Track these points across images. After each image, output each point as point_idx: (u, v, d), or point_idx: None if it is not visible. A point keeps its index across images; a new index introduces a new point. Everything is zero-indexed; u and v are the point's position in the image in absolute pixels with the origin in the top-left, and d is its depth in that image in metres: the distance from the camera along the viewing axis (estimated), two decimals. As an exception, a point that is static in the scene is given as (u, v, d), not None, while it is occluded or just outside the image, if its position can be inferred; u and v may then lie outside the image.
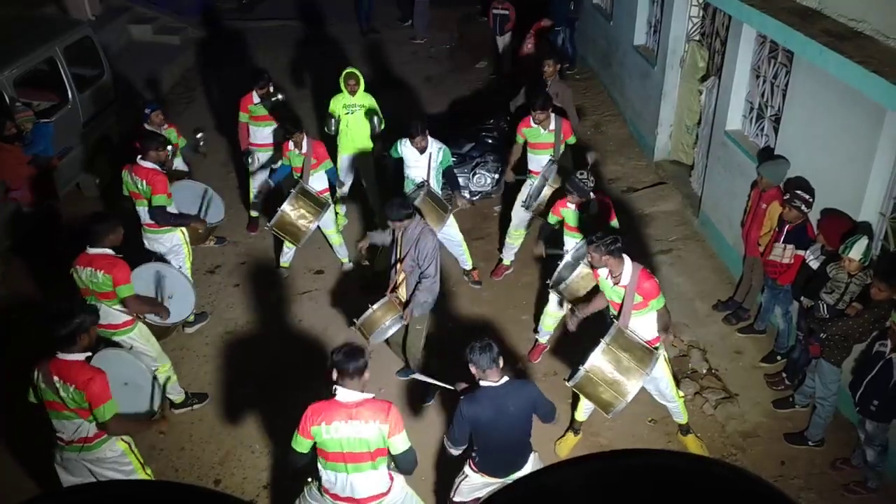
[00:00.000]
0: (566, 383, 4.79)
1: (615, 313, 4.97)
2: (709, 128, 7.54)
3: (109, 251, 5.08)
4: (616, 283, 4.88)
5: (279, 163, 7.16)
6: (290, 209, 6.49)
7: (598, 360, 4.60)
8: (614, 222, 6.00)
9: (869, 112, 5.00)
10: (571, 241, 6.12)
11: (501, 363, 4.08)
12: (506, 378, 4.09)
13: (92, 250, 5.04)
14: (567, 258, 5.90)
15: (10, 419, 5.65)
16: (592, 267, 5.06)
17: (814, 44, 5.09)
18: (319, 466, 3.92)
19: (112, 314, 5.17)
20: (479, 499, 4.49)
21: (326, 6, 13.91)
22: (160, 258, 6.15)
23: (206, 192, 6.84)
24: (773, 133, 6.47)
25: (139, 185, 6.05)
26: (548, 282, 5.88)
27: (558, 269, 5.82)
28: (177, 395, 5.77)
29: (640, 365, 4.64)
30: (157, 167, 6.04)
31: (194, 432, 5.68)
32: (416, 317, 5.60)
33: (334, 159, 7.60)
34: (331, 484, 3.92)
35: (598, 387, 4.62)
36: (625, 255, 4.82)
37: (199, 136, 7.36)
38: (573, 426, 5.47)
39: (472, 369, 4.07)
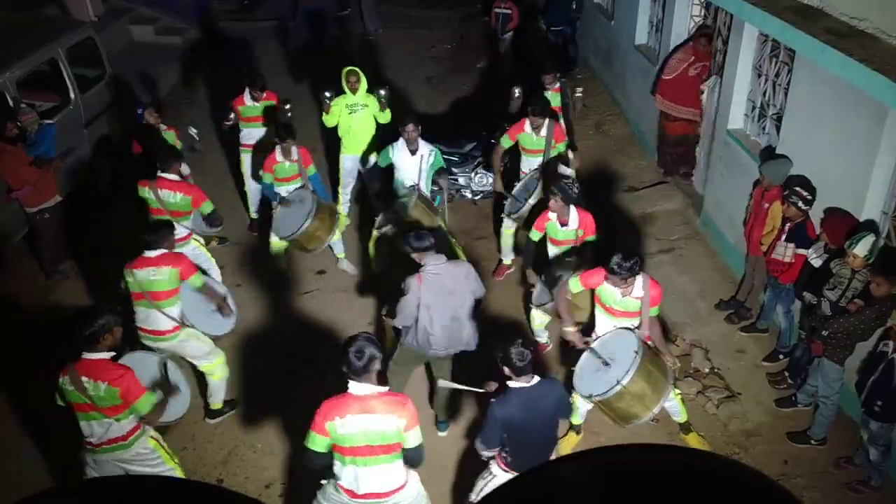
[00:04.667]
0: (591, 398, 4.67)
1: (630, 322, 4.93)
2: (711, 127, 7.53)
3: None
4: (627, 295, 4.87)
5: (263, 178, 6.90)
6: (314, 223, 6.44)
7: (633, 376, 4.49)
8: (591, 237, 5.91)
9: (871, 111, 4.99)
10: (554, 251, 6.12)
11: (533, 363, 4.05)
12: (536, 378, 4.06)
13: (152, 253, 5.15)
14: (543, 276, 5.92)
15: (10, 419, 5.67)
16: (592, 273, 4.99)
17: (815, 42, 5.08)
18: (336, 463, 3.89)
19: (161, 320, 5.20)
20: None
21: (327, 7, 13.90)
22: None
23: None
24: (775, 132, 6.47)
25: (168, 199, 6.09)
26: (532, 284, 5.91)
27: (537, 293, 5.87)
28: (218, 398, 5.70)
29: (664, 375, 4.62)
30: (184, 179, 6.28)
31: (196, 432, 5.68)
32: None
33: (335, 159, 7.60)
34: (347, 481, 3.88)
35: (629, 401, 4.55)
36: None
37: (192, 131, 7.34)
38: (573, 427, 5.48)
39: (506, 370, 4.01)
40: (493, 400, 4.07)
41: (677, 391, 5.37)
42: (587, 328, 5.32)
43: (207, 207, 6.22)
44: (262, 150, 7.36)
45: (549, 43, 11.39)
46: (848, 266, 4.95)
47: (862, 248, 4.81)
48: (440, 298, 4.97)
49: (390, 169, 6.85)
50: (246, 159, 7.76)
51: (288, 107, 7.62)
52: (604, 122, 10.02)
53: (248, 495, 1.02)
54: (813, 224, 5.57)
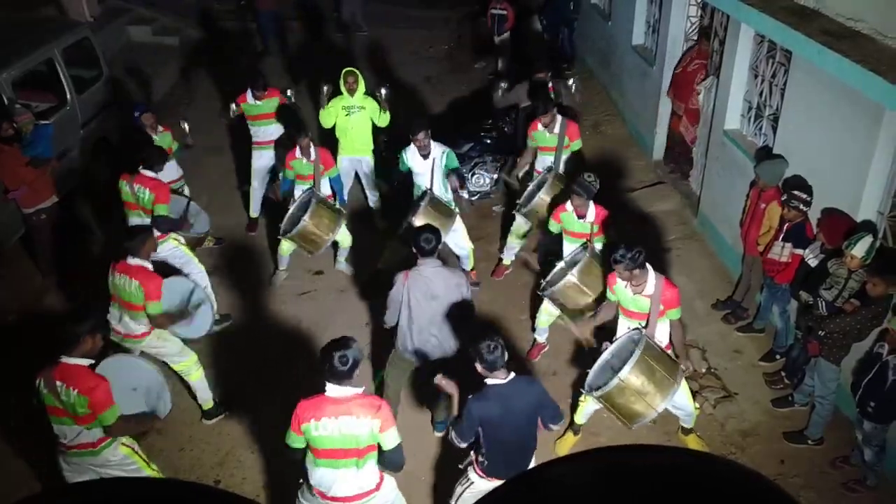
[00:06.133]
0: (593, 394, 4.60)
1: (641, 323, 4.91)
2: (707, 127, 7.54)
3: (147, 264, 5.23)
4: (638, 293, 4.87)
5: (281, 175, 7.06)
6: (311, 222, 6.41)
7: (633, 371, 4.45)
8: (599, 238, 5.93)
9: (867, 111, 5.00)
10: (570, 247, 6.10)
11: (507, 359, 4.03)
12: (512, 375, 4.05)
13: (132, 261, 5.17)
14: (560, 264, 5.89)
15: (10, 419, 5.66)
16: (612, 275, 4.99)
17: (812, 43, 5.09)
18: (308, 465, 3.91)
19: (132, 325, 5.25)
20: None
21: (325, 6, 13.90)
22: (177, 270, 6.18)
23: (188, 204, 6.81)
24: (771, 132, 6.47)
25: (140, 195, 6.15)
26: (541, 281, 5.89)
27: (551, 274, 5.82)
28: (205, 397, 5.70)
29: (671, 375, 4.59)
30: (159, 177, 6.26)
31: (193, 433, 5.68)
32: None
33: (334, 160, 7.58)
34: (319, 482, 3.90)
35: (630, 397, 4.51)
36: (647, 265, 4.81)
37: (184, 125, 7.30)
38: (572, 427, 5.47)
39: (479, 367, 4.00)
40: (470, 396, 4.06)
41: (697, 405, 5.37)
42: (609, 332, 5.31)
43: (161, 210, 6.16)
44: (282, 148, 7.45)
45: (546, 43, 11.41)
46: (845, 266, 4.96)
47: (860, 249, 4.82)
48: (421, 301, 4.95)
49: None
50: (256, 157, 7.77)
51: (290, 93, 7.66)
52: (601, 122, 10.03)
53: (246, 496, 1.02)
54: (811, 224, 5.58)
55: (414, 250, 4.99)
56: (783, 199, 5.60)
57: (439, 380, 4.27)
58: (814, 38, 5.10)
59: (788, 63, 6.03)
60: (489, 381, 4.03)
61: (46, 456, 5.34)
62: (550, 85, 7.80)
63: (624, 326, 5.09)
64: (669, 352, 4.88)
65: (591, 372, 4.76)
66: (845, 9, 5.26)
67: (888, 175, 5.12)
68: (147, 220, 6.09)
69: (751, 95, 6.83)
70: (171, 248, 6.30)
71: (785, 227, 5.61)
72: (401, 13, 13.98)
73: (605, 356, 4.80)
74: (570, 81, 8.00)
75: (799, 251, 5.53)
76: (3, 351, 6.22)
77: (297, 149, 6.77)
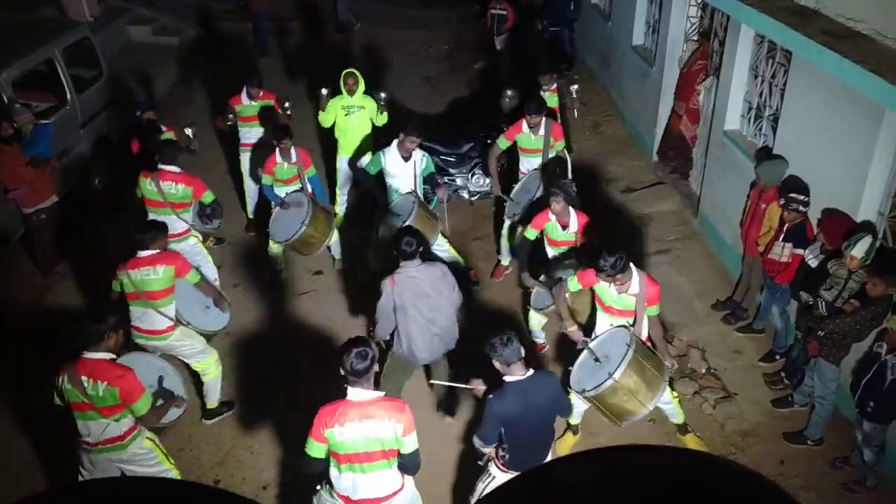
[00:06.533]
0: (585, 393, 4.62)
1: (627, 321, 4.91)
2: (707, 128, 7.54)
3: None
4: (623, 292, 4.87)
5: (262, 180, 6.92)
6: (310, 227, 6.43)
7: (626, 371, 4.46)
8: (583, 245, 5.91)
9: (867, 111, 5.00)
10: (553, 252, 6.08)
11: (523, 354, 4.05)
12: (531, 371, 4.07)
13: (146, 253, 5.16)
14: (542, 277, 5.90)
15: (10, 419, 5.66)
16: (588, 272, 4.99)
17: (812, 43, 5.09)
18: (332, 470, 3.86)
19: (157, 319, 5.21)
20: None
21: (325, 6, 13.91)
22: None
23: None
24: (771, 133, 6.48)
25: (169, 191, 6.12)
26: (529, 287, 5.90)
27: (540, 285, 5.85)
28: (213, 398, 5.69)
29: (659, 372, 4.60)
30: (184, 171, 6.28)
31: (193, 433, 5.67)
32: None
33: (333, 160, 7.59)
34: (343, 487, 3.85)
35: (622, 397, 4.52)
36: (630, 264, 4.81)
37: (188, 130, 7.28)
38: (570, 427, 5.48)
39: (497, 365, 4.02)
40: (490, 395, 4.08)
41: (675, 393, 5.37)
42: (587, 328, 5.33)
43: (208, 197, 6.26)
44: (262, 150, 7.37)
45: (546, 43, 11.41)
46: (845, 266, 4.96)
47: (859, 250, 4.82)
48: (414, 301, 4.94)
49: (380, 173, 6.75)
50: (245, 159, 7.76)
51: (288, 104, 7.60)
52: (601, 122, 10.03)
53: (246, 496, 1.02)
54: (811, 225, 5.58)
55: (395, 254, 5.00)
56: (781, 203, 5.60)
57: (475, 384, 4.40)
58: (814, 38, 5.10)
59: (788, 63, 6.03)
60: (508, 378, 4.04)
61: (46, 456, 5.36)
62: (555, 86, 7.79)
63: (605, 324, 5.07)
64: (651, 348, 4.92)
65: (574, 371, 4.79)
66: (845, 9, 5.26)
67: (888, 175, 5.12)
68: (173, 217, 6.04)
69: (751, 96, 6.83)
70: (193, 244, 6.34)
71: (785, 228, 5.61)
72: (401, 13, 13.99)
73: (586, 353, 4.82)
74: (574, 87, 7.97)
75: (799, 251, 5.53)
76: (3, 351, 6.21)
77: (277, 153, 6.68)
